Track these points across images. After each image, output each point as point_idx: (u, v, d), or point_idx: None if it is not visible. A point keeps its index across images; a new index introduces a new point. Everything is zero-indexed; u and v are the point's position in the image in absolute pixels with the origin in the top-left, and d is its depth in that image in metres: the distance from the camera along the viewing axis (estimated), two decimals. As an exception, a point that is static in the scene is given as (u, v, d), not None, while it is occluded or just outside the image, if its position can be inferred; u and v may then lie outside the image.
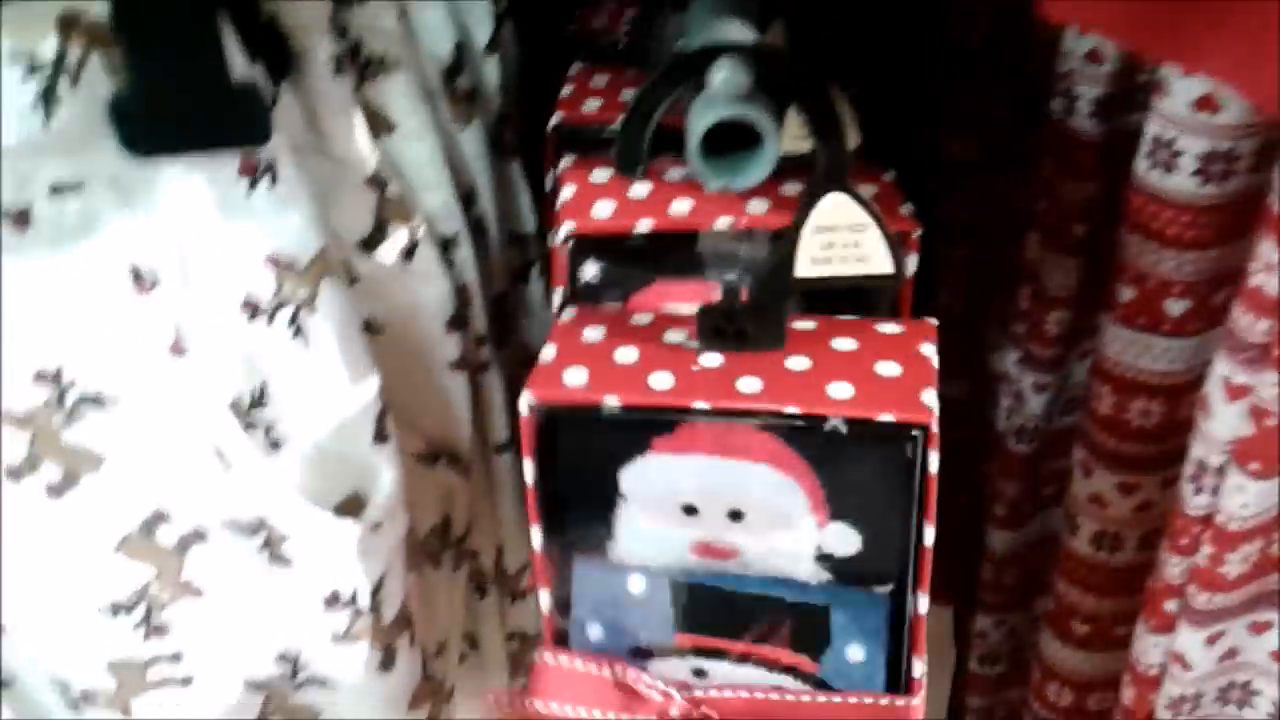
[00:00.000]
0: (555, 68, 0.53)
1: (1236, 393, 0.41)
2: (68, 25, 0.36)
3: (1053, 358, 0.55)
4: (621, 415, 0.39)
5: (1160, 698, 0.48)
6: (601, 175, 0.46)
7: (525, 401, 0.39)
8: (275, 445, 0.45)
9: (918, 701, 0.41)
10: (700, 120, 0.41)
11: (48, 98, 0.37)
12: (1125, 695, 0.50)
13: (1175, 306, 0.46)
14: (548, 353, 0.41)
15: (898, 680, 0.41)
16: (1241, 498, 0.41)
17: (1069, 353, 0.55)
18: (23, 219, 0.39)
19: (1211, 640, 0.46)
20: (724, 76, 0.40)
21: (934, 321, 0.41)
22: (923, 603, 0.40)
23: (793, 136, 0.44)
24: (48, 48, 0.36)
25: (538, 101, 0.52)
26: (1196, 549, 0.44)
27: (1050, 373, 0.55)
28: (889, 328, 0.41)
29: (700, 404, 0.38)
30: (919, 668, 0.41)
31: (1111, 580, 0.53)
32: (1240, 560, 0.43)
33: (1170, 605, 0.46)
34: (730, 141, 0.43)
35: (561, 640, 0.43)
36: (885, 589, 0.40)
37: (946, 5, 0.56)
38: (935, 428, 0.37)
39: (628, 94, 0.51)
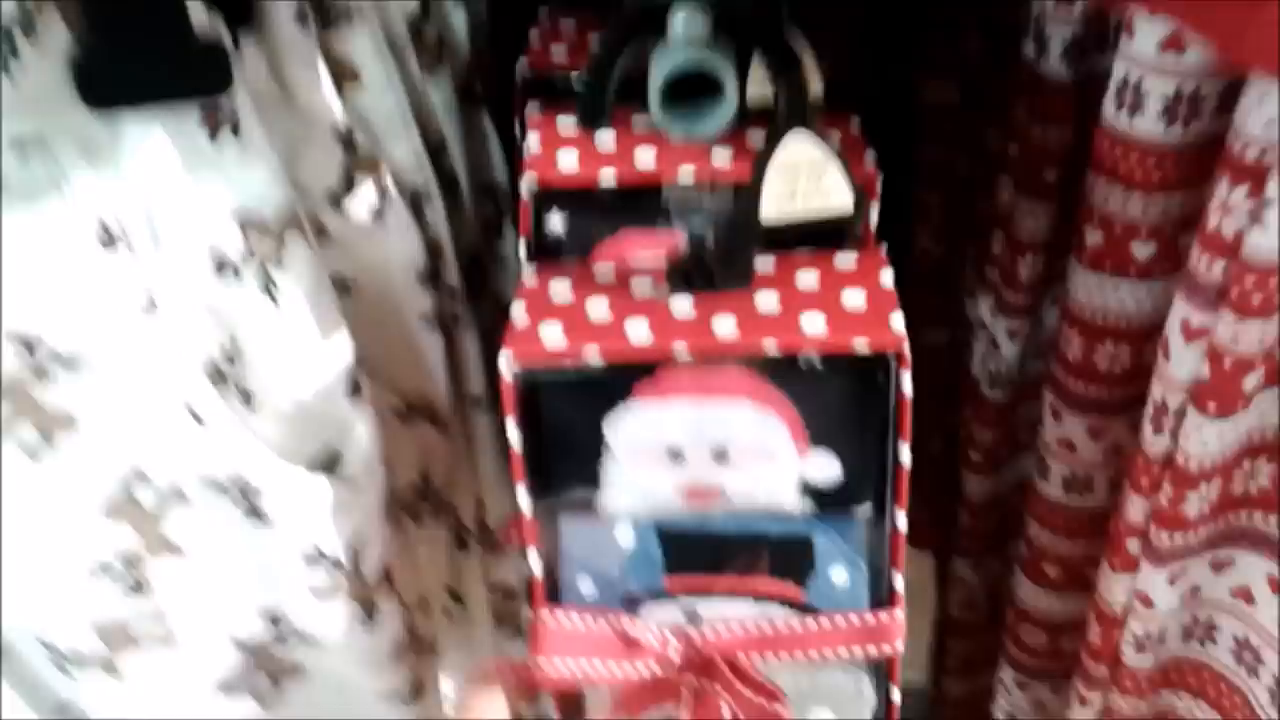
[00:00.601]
0: (524, 14, 0.53)
1: (1194, 334, 0.41)
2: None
3: (1025, 304, 0.55)
4: (603, 367, 0.39)
5: (1125, 635, 0.49)
6: (568, 124, 0.45)
7: (506, 365, 0.39)
8: (248, 402, 0.45)
9: (900, 613, 0.42)
10: (660, 70, 0.41)
11: (6, 51, 0.36)
12: (1091, 633, 0.50)
13: (1141, 249, 0.46)
14: (519, 312, 0.41)
15: (881, 600, 0.42)
16: (1200, 438, 0.42)
17: (1041, 299, 0.55)
18: (-14, 177, 0.38)
19: (1174, 579, 0.46)
20: (682, 22, 0.40)
21: (884, 249, 0.42)
22: (901, 519, 0.41)
23: (759, 83, 0.43)
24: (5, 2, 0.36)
25: (507, 49, 0.52)
26: (1157, 489, 0.44)
27: (1023, 319, 0.56)
28: (844, 259, 0.42)
29: (681, 349, 0.39)
30: (899, 581, 0.42)
31: (1082, 523, 0.53)
32: (1200, 500, 0.44)
33: (1133, 545, 0.46)
34: (696, 90, 0.42)
35: (553, 598, 0.43)
36: (865, 510, 0.41)
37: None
38: (906, 350, 0.38)
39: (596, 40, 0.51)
